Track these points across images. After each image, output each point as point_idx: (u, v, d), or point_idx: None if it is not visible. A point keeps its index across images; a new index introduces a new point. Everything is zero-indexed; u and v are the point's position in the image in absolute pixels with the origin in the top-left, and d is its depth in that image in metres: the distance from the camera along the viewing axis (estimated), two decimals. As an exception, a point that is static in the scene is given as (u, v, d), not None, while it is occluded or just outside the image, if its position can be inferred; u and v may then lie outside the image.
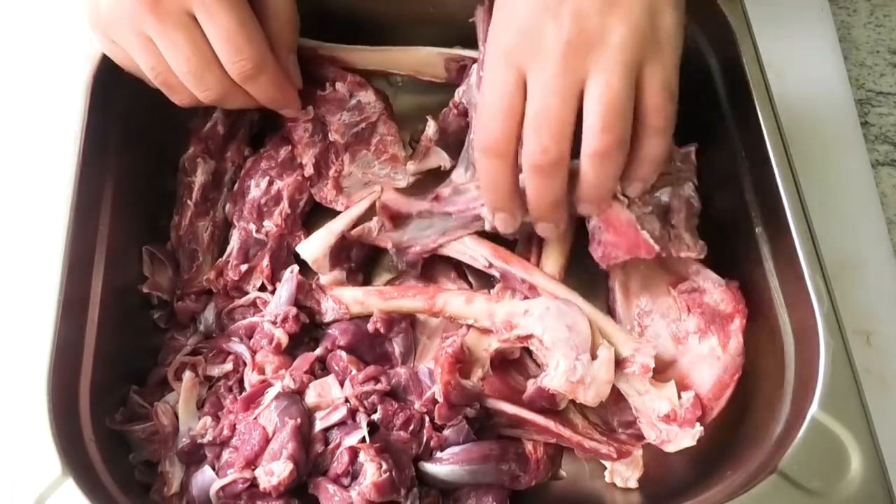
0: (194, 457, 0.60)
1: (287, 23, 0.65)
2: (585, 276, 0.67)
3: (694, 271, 0.64)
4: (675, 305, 0.65)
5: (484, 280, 0.69)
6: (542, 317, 0.60)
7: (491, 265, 0.66)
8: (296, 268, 0.66)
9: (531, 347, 0.62)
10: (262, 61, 0.62)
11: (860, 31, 0.87)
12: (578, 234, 0.69)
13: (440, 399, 0.58)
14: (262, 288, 0.68)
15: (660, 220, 0.62)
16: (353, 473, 0.56)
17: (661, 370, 0.62)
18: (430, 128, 0.70)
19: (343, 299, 0.65)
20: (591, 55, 0.51)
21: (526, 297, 0.64)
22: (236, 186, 0.72)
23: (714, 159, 0.65)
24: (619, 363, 0.60)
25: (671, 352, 0.64)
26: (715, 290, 0.63)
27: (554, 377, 0.58)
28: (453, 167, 0.69)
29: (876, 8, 0.88)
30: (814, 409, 0.53)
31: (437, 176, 0.70)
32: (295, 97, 0.68)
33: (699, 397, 0.61)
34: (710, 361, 0.62)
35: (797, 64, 0.53)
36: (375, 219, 0.68)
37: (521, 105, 0.54)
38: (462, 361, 0.61)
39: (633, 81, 0.52)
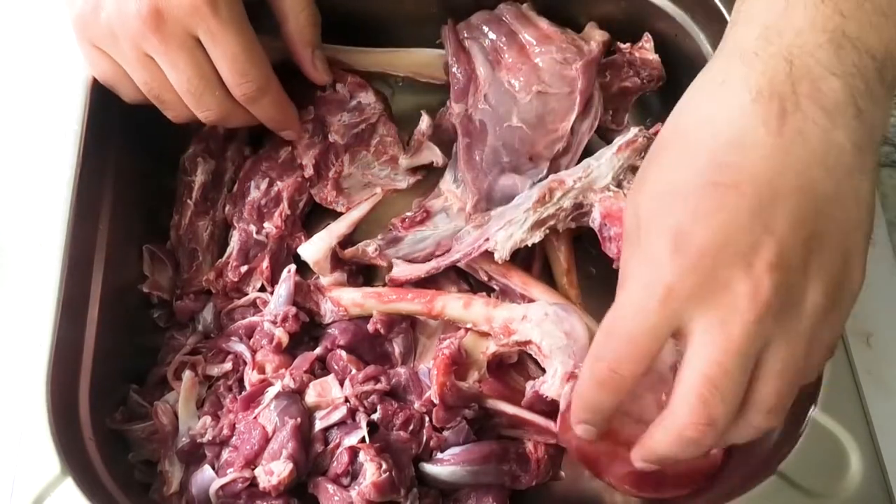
0: (194, 456, 0.60)
1: (307, 21, 0.66)
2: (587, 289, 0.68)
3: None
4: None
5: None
6: (540, 322, 0.60)
7: (491, 278, 0.66)
8: (293, 267, 0.66)
9: (530, 352, 0.62)
10: (266, 83, 0.62)
11: (860, 32, 0.86)
12: (576, 247, 0.69)
13: (436, 401, 0.58)
14: (262, 289, 0.68)
15: None
16: (352, 473, 0.56)
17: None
18: (424, 122, 0.69)
19: (342, 301, 0.65)
20: (783, 320, 0.42)
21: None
22: (236, 188, 0.71)
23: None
24: None
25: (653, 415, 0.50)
26: None
27: (552, 385, 0.58)
28: (444, 169, 0.70)
29: (876, 9, 0.88)
30: (814, 410, 0.53)
31: (438, 173, 0.71)
32: (295, 118, 0.68)
33: None
34: None
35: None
36: (371, 240, 0.68)
37: (662, 346, 0.44)
38: (458, 363, 0.61)
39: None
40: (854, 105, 0.43)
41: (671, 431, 0.44)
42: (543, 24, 0.70)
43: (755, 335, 0.41)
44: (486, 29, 0.71)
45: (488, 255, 0.64)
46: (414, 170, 0.72)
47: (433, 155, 0.70)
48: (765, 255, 0.41)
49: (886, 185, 0.76)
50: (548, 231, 0.63)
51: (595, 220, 0.63)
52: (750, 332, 0.41)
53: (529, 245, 0.63)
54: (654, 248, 0.44)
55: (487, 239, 0.63)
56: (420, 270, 0.66)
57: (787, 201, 0.42)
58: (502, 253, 0.63)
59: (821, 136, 0.42)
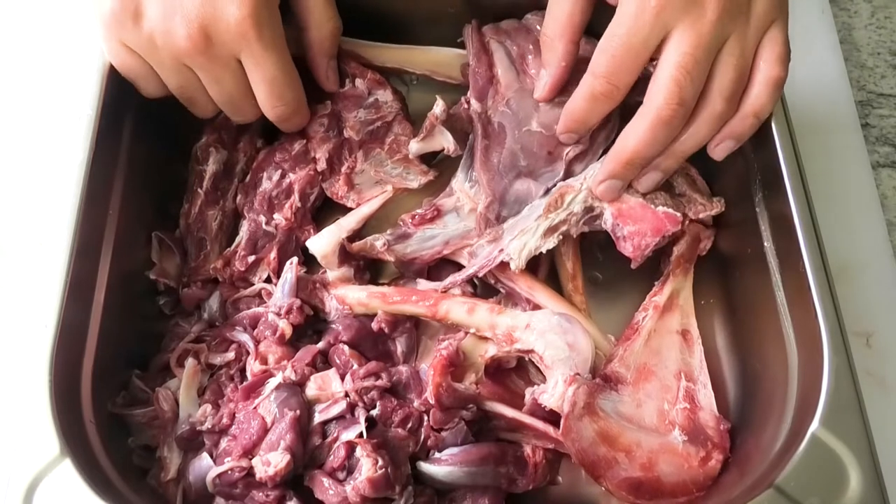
0: (193, 443, 0.60)
1: (329, 32, 0.68)
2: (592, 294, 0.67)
3: (702, 383, 0.63)
4: (676, 392, 0.62)
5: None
6: (544, 332, 0.60)
7: (497, 281, 0.66)
8: (295, 259, 0.66)
9: (532, 359, 0.62)
10: (299, 105, 0.67)
11: (861, 32, 0.87)
12: (583, 252, 0.69)
13: (432, 401, 0.58)
14: (268, 280, 0.68)
15: (664, 192, 0.63)
16: (348, 468, 0.56)
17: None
18: (438, 106, 0.68)
19: (347, 300, 0.65)
20: (737, 21, 0.56)
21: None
22: (248, 178, 0.72)
23: (722, 167, 0.65)
24: None
25: (653, 422, 0.60)
26: (709, 417, 0.61)
27: (552, 396, 0.58)
28: (455, 169, 0.70)
29: (877, 10, 0.88)
30: (814, 425, 0.52)
31: (449, 174, 0.70)
32: (307, 120, 0.71)
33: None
34: (680, 462, 0.58)
35: (798, 66, 0.53)
36: (380, 235, 0.68)
37: (651, 53, 0.57)
38: (455, 365, 0.61)
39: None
40: None
41: (648, 114, 0.56)
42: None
43: (716, 32, 0.55)
44: (514, 36, 0.71)
45: (501, 263, 0.64)
46: (426, 170, 0.72)
47: (445, 141, 0.69)
48: None
49: (886, 185, 0.76)
50: (561, 237, 0.63)
51: (607, 221, 0.63)
52: (713, 29, 0.55)
53: (544, 252, 0.64)
54: None
55: (502, 250, 0.64)
56: (438, 288, 0.67)
57: None
58: (518, 262, 0.63)
59: None
